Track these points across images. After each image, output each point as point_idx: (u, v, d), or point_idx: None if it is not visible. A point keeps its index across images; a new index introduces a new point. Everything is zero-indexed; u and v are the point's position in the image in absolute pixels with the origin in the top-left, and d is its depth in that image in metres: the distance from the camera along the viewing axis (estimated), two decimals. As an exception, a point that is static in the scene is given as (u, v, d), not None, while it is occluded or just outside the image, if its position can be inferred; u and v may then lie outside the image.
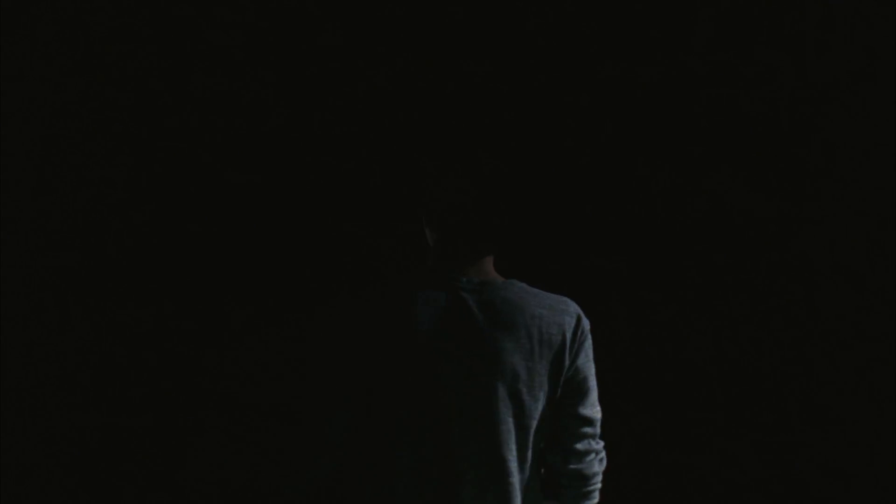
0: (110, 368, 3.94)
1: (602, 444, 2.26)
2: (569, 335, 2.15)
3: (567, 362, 2.15)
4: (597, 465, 2.22)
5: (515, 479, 2.12)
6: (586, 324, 2.20)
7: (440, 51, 3.84)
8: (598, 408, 2.25)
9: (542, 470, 2.25)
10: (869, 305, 3.73)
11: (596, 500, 2.26)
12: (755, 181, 3.79)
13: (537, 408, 2.13)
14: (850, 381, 3.74)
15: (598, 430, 2.24)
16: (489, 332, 2.10)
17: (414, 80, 3.82)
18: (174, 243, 3.93)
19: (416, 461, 2.08)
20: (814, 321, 3.76)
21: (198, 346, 3.91)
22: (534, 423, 2.13)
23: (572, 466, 2.20)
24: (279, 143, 3.88)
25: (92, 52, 3.93)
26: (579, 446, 2.21)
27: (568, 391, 2.18)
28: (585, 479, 2.22)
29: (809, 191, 3.77)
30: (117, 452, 3.93)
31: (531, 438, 2.13)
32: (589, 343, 2.20)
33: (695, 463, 3.80)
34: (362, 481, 2.11)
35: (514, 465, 2.10)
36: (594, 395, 2.22)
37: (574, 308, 2.19)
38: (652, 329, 3.83)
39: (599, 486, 2.26)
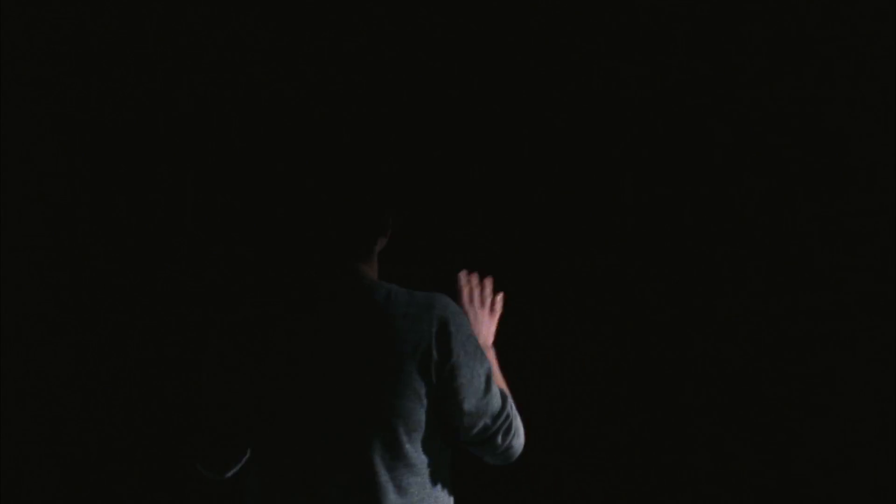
0: (110, 368, 3.94)
1: (504, 419, 2.10)
2: (434, 333, 1.97)
3: (436, 362, 1.99)
4: (500, 439, 2.09)
5: (386, 489, 2.00)
6: (452, 318, 2.01)
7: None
8: (492, 396, 2.07)
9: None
10: (869, 305, 3.73)
11: (518, 448, 2.14)
12: (755, 181, 3.80)
13: (407, 413, 1.99)
14: (849, 381, 3.74)
15: (496, 416, 2.08)
16: (349, 344, 1.99)
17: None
18: (174, 243, 3.93)
19: (286, 474, 2.03)
20: (813, 321, 3.76)
21: (197, 346, 3.91)
22: (415, 435, 2.01)
23: (479, 453, 2.12)
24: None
25: (91, 53, 3.93)
26: (478, 438, 2.08)
27: (447, 390, 2.02)
28: (494, 450, 2.11)
29: (809, 190, 3.77)
30: (116, 452, 3.93)
31: (417, 453, 2.02)
32: (458, 337, 2.01)
33: (691, 463, 3.80)
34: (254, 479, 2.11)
35: (384, 475, 1.99)
36: (480, 385, 2.04)
37: (440, 304, 2.02)
38: (651, 329, 3.83)
39: (518, 441, 2.13)
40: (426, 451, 2.03)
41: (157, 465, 3.92)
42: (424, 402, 1.99)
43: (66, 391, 3.94)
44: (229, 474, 2.22)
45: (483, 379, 2.04)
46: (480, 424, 2.05)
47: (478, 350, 2.06)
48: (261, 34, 3.87)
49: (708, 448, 3.79)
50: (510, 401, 2.12)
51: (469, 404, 2.02)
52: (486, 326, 2.25)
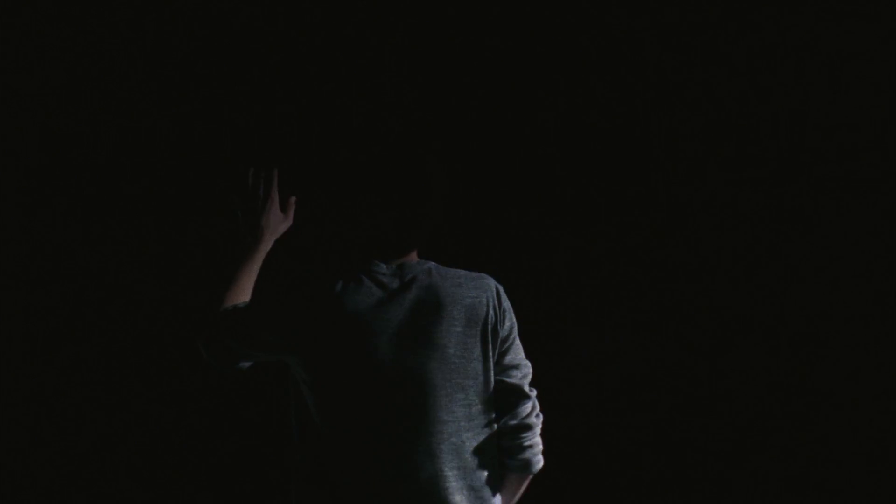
0: (109, 368, 3.95)
1: (534, 394, 2.38)
2: (493, 304, 2.30)
3: (499, 330, 2.30)
4: (533, 419, 2.35)
5: (450, 462, 2.24)
6: (503, 291, 2.35)
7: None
8: (528, 363, 2.39)
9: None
10: (868, 306, 3.74)
11: (535, 454, 2.37)
12: (753, 181, 3.80)
13: (472, 378, 2.27)
14: (849, 381, 3.74)
15: (527, 385, 2.37)
16: (417, 312, 2.24)
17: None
18: (173, 243, 3.94)
19: (359, 437, 2.20)
20: (812, 322, 3.77)
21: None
22: (471, 393, 2.27)
23: (512, 423, 2.33)
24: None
25: (90, 53, 3.94)
26: (517, 404, 2.34)
27: (501, 356, 2.32)
28: (524, 430, 2.34)
29: (808, 190, 3.78)
30: (116, 452, 3.94)
31: (472, 408, 2.27)
32: (510, 307, 2.35)
33: (689, 463, 3.81)
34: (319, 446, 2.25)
35: (453, 437, 2.24)
36: (521, 351, 2.37)
37: (490, 280, 2.34)
38: (650, 329, 3.83)
39: (539, 439, 2.38)
40: (487, 411, 2.30)
41: (156, 464, 3.93)
42: (488, 359, 2.28)
43: (65, 391, 3.95)
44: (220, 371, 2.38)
45: (520, 342, 2.38)
46: (526, 380, 2.34)
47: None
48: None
49: (708, 448, 3.80)
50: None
51: (519, 359, 2.35)
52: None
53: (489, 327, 2.29)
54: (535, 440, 2.36)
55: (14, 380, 3.93)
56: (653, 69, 3.82)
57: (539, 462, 2.37)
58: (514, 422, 2.33)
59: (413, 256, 2.33)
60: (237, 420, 3.92)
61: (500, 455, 2.34)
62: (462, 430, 2.26)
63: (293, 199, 2.51)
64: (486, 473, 2.30)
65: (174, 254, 3.92)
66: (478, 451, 2.29)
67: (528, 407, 2.34)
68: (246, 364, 2.34)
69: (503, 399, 2.33)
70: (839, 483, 3.72)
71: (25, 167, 3.95)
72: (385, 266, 2.27)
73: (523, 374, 2.35)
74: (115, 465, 3.93)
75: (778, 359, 3.77)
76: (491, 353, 2.29)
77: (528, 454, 2.34)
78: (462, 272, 2.32)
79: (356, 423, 2.20)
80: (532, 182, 3.86)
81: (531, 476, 2.40)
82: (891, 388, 3.69)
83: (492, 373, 2.30)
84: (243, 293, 2.38)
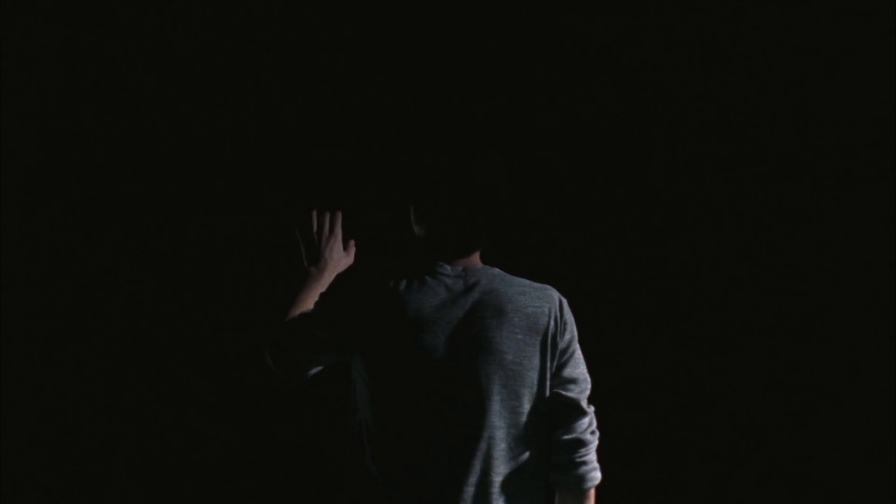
0: (110, 368, 3.95)
1: (592, 410, 2.36)
2: (555, 315, 2.31)
3: (558, 342, 2.31)
4: (588, 435, 2.33)
5: (498, 469, 2.24)
6: (566, 304, 2.36)
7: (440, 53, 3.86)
8: (587, 377, 2.38)
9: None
10: (868, 305, 3.73)
11: (591, 470, 2.33)
12: (752, 180, 3.80)
13: (527, 387, 2.28)
14: (849, 381, 3.74)
15: (584, 400, 2.35)
16: (478, 316, 2.26)
17: (413, 80, 3.84)
18: (174, 243, 3.93)
19: (411, 437, 2.23)
20: (812, 322, 3.77)
21: (198, 347, 3.92)
22: (525, 401, 2.27)
23: (566, 437, 2.31)
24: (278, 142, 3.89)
25: (89, 54, 3.94)
26: (573, 419, 2.33)
27: (559, 369, 2.32)
28: (578, 446, 2.32)
29: (808, 190, 3.77)
30: (116, 452, 3.94)
31: (524, 417, 2.27)
32: (572, 320, 2.36)
33: (688, 463, 3.81)
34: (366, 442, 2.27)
35: (502, 443, 2.25)
36: (582, 366, 2.36)
37: (554, 292, 2.35)
38: (650, 329, 3.83)
39: (594, 457, 2.34)
40: (540, 422, 2.30)
41: (156, 464, 3.93)
42: (545, 369, 2.29)
43: (65, 392, 3.95)
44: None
45: (582, 357, 2.37)
46: (584, 395, 2.33)
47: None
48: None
49: (708, 448, 3.80)
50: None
51: (577, 373, 2.33)
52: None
53: (549, 338, 2.29)
54: (590, 457, 2.32)
55: (14, 380, 3.92)
56: (652, 68, 3.82)
57: (592, 480, 2.32)
58: (568, 436, 2.31)
59: (477, 260, 2.35)
60: (237, 420, 3.92)
61: (551, 471, 2.33)
62: (513, 437, 2.26)
63: (353, 241, 2.60)
64: (530, 484, 2.30)
65: (174, 253, 3.92)
66: (527, 461, 2.29)
67: (584, 423, 2.32)
68: (314, 370, 2.36)
69: (559, 413, 2.32)
70: (839, 483, 3.72)
71: (25, 167, 3.94)
72: (449, 268, 2.30)
73: (581, 388, 2.33)
74: (115, 465, 3.93)
75: (777, 359, 3.77)
76: (549, 364, 2.30)
77: (581, 470, 2.30)
78: (526, 281, 2.33)
79: (411, 421, 2.23)
80: (534, 181, 3.86)
81: (589, 497, 2.34)
82: (891, 388, 3.69)
83: (548, 384, 2.30)
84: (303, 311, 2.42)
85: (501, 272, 2.34)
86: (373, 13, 3.88)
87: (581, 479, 2.30)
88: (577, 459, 2.29)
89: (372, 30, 3.88)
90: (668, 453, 3.80)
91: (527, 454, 2.28)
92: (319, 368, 2.36)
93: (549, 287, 2.35)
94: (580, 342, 2.37)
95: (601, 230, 3.84)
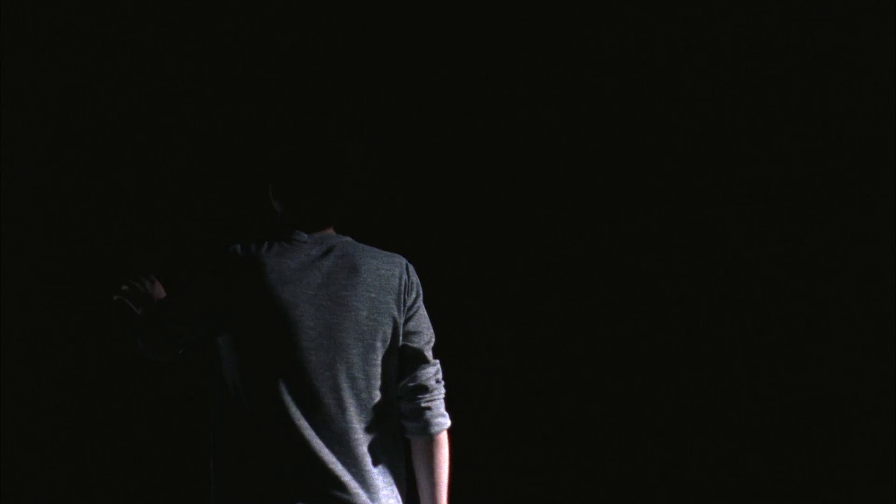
0: (110, 369, 3.95)
1: (437, 362, 2.54)
2: (403, 276, 2.51)
3: (406, 299, 2.50)
4: (433, 383, 2.51)
5: (358, 416, 2.40)
6: (412, 268, 2.55)
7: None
8: (431, 331, 2.56)
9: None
10: (868, 306, 3.73)
11: (437, 416, 2.49)
12: (752, 181, 3.80)
13: (381, 341, 2.45)
14: (849, 381, 3.74)
15: (429, 351, 2.53)
16: (334, 277, 2.44)
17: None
18: (175, 244, 3.94)
19: (277, 392, 2.36)
20: (813, 321, 3.77)
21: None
22: (379, 354, 2.45)
23: (410, 385, 2.50)
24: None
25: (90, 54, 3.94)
26: (417, 367, 2.51)
27: (408, 322, 2.51)
28: (421, 391, 2.49)
29: (808, 191, 3.78)
30: (117, 453, 3.94)
31: (378, 368, 2.45)
32: (418, 282, 2.55)
33: (688, 463, 3.81)
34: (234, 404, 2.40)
35: (362, 393, 2.41)
36: (426, 321, 2.55)
37: (402, 258, 2.55)
38: (649, 330, 3.83)
39: (440, 404, 2.50)
40: (389, 375, 2.47)
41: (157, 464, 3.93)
42: (395, 323, 2.47)
43: (65, 393, 3.95)
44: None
45: (426, 315, 2.56)
46: (428, 346, 2.52)
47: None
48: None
49: (702, 449, 3.80)
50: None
51: (423, 327, 2.53)
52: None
53: (399, 296, 2.48)
54: (435, 403, 2.49)
55: (14, 380, 3.93)
56: (653, 66, 3.82)
57: (439, 426, 2.49)
58: (412, 384, 2.48)
59: (331, 231, 2.53)
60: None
61: (401, 420, 2.50)
62: (372, 388, 2.43)
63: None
64: (391, 433, 2.46)
65: (173, 252, 3.93)
66: (384, 410, 2.45)
67: (429, 371, 2.50)
68: (183, 342, 2.47)
69: (405, 363, 2.50)
70: (840, 483, 3.71)
71: (26, 166, 3.95)
72: (307, 236, 2.48)
73: (426, 340, 2.52)
74: (114, 466, 3.93)
75: (779, 358, 3.77)
76: (400, 320, 2.47)
77: (426, 416, 2.47)
78: (377, 249, 2.53)
79: (276, 378, 2.36)
80: (533, 180, 3.87)
81: (440, 443, 2.50)
82: (891, 388, 3.69)
83: (400, 338, 2.48)
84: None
85: (353, 240, 2.52)
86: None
87: (427, 425, 2.47)
88: (422, 405, 2.47)
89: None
90: (667, 453, 3.80)
91: (384, 405, 2.44)
92: (189, 342, 2.47)
93: (396, 254, 2.55)
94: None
95: (599, 230, 3.85)
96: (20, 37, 3.91)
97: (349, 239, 2.52)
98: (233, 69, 3.97)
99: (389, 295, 2.47)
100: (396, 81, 3.95)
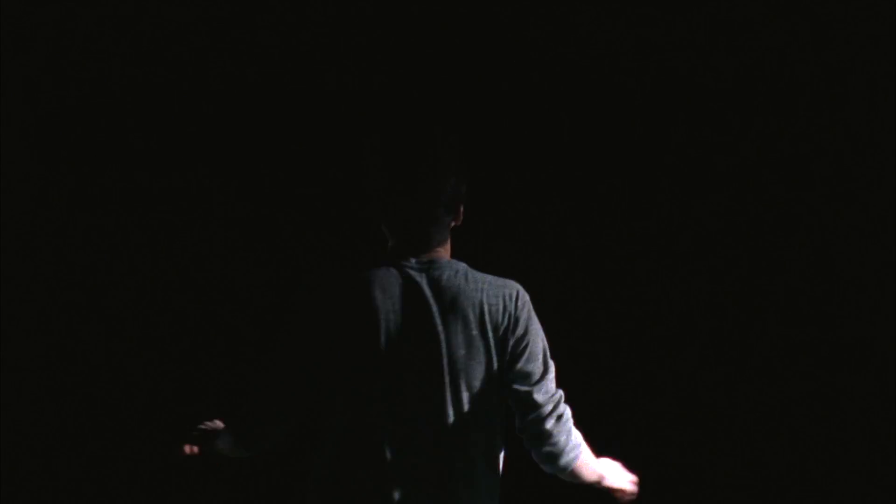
0: (110, 370, 3.95)
1: (550, 404, 2.34)
2: (509, 311, 2.30)
3: (509, 337, 2.30)
4: (548, 425, 2.33)
5: (454, 458, 2.27)
6: (524, 300, 2.34)
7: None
8: (544, 371, 2.35)
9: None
10: (869, 307, 3.73)
11: (563, 453, 2.35)
12: (753, 181, 3.80)
13: (479, 380, 2.28)
14: (850, 381, 3.74)
15: (540, 393, 2.33)
16: (434, 310, 2.27)
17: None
18: (178, 246, 3.94)
19: (374, 430, 2.25)
20: (813, 321, 3.77)
21: (201, 349, 3.92)
22: (476, 394, 2.28)
23: (526, 432, 2.34)
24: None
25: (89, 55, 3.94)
26: (526, 413, 2.33)
27: (513, 363, 2.31)
28: (539, 438, 2.34)
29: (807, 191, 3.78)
30: (117, 453, 3.94)
31: (475, 409, 2.28)
32: (527, 316, 2.33)
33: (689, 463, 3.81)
34: (327, 446, 2.29)
35: (457, 436, 2.27)
36: (537, 360, 2.34)
37: (514, 288, 2.33)
38: (649, 330, 3.83)
39: (563, 438, 2.35)
40: (487, 414, 2.30)
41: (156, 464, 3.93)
42: (495, 364, 2.29)
43: (65, 393, 3.95)
44: (259, 449, 2.38)
45: (541, 350, 2.34)
46: (538, 388, 2.31)
47: (539, 328, 2.35)
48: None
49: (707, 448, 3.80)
50: (561, 394, 2.37)
51: (531, 367, 2.31)
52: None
53: (501, 333, 2.30)
54: (558, 444, 2.33)
55: (13, 380, 3.93)
56: (652, 66, 3.82)
57: (566, 464, 2.35)
58: (528, 431, 2.34)
59: (442, 254, 2.35)
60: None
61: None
62: (467, 429, 2.28)
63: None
64: (484, 473, 2.33)
65: (173, 253, 3.92)
66: (479, 452, 2.31)
67: (540, 414, 2.32)
68: (282, 425, 2.34)
69: (515, 408, 2.34)
70: (839, 483, 3.71)
71: (25, 166, 3.95)
72: (415, 261, 2.31)
73: (534, 382, 2.32)
74: (113, 466, 3.93)
75: (779, 358, 3.77)
76: (501, 359, 2.30)
77: (559, 462, 2.34)
78: (490, 277, 2.33)
79: (369, 415, 2.25)
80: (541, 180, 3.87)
81: (580, 467, 2.38)
82: (891, 388, 3.69)
83: (502, 379, 2.31)
84: None
85: (467, 267, 2.33)
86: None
87: (557, 470, 2.35)
88: (545, 450, 2.33)
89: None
90: (666, 453, 3.80)
91: (480, 443, 2.30)
92: (285, 425, 2.33)
93: (510, 283, 2.34)
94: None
95: (598, 230, 3.85)
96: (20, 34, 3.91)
97: (463, 266, 2.33)
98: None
99: (490, 331, 2.28)
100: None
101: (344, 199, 3.79)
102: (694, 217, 3.83)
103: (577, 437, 2.38)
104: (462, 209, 2.37)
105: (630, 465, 2.49)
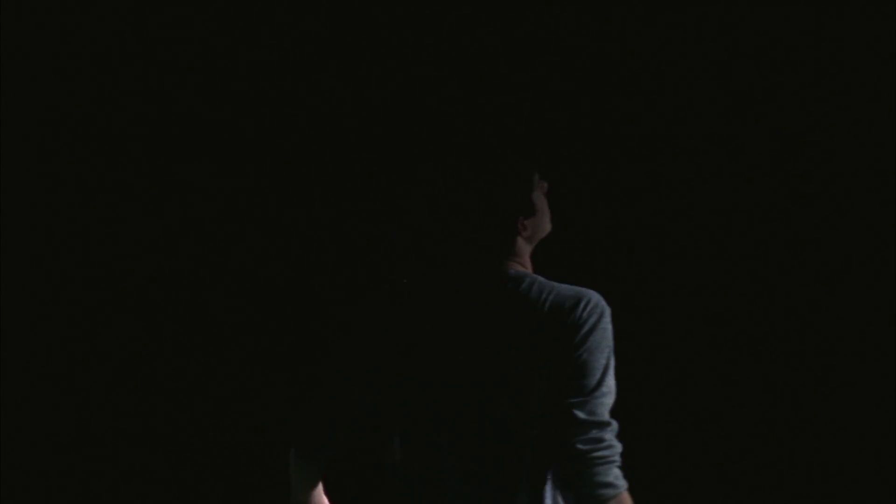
0: (111, 371, 3.95)
1: (600, 426, 2.15)
2: (573, 322, 2.14)
3: (570, 352, 2.14)
4: (590, 456, 2.12)
5: (511, 471, 2.16)
6: (592, 312, 2.16)
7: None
8: (596, 390, 2.16)
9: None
10: (868, 307, 3.73)
11: (594, 487, 2.14)
12: (753, 181, 3.80)
13: (535, 397, 2.14)
14: (850, 381, 3.74)
15: (587, 413, 2.14)
16: (501, 321, 2.17)
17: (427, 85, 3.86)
18: (180, 247, 3.94)
19: (416, 453, 2.21)
20: (813, 321, 3.77)
21: (207, 351, 3.92)
22: (531, 412, 2.15)
23: (566, 456, 2.15)
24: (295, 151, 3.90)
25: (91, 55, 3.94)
26: (575, 434, 2.14)
27: (567, 379, 2.15)
28: (578, 468, 2.13)
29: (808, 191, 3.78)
30: (118, 454, 3.94)
31: (530, 424, 2.15)
32: (591, 327, 2.16)
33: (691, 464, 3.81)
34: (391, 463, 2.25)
35: (501, 463, 2.17)
36: (590, 379, 2.15)
37: (585, 299, 2.17)
38: (649, 331, 3.83)
39: (599, 471, 2.14)
40: (547, 435, 2.15)
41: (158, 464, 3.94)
42: (557, 377, 2.13)
43: (65, 394, 3.95)
44: (320, 458, 2.33)
45: (602, 367, 2.15)
46: (582, 406, 2.12)
47: (607, 345, 2.18)
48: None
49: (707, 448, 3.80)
50: (615, 425, 2.18)
51: (583, 381, 2.12)
52: None
53: (563, 346, 2.14)
54: (591, 478, 2.12)
55: (13, 380, 3.93)
56: (652, 67, 3.82)
57: (603, 495, 2.12)
58: (568, 455, 2.14)
59: (515, 266, 2.26)
60: (239, 420, 3.92)
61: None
62: (524, 452, 2.15)
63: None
64: (527, 493, 2.19)
65: (173, 252, 3.93)
66: (528, 472, 2.17)
67: (587, 437, 2.12)
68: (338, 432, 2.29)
69: (561, 426, 2.14)
70: (839, 483, 3.72)
71: (25, 166, 3.95)
72: (487, 274, 2.23)
73: (583, 395, 2.13)
74: (114, 466, 3.93)
75: (778, 358, 3.77)
76: (558, 374, 2.14)
77: (584, 490, 2.13)
78: (563, 288, 2.19)
79: (425, 425, 2.20)
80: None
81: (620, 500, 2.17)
82: (891, 389, 3.69)
83: (556, 396, 2.14)
84: None
85: (541, 280, 2.21)
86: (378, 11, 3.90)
87: (588, 497, 2.13)
88: (583, 476, 2.12)
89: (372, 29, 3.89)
90: (666, 453, 3.80)
91: (532, 465, 2.17)
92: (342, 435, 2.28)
93: (583, 293, 2.18)
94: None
95: (598, 229, 3.85)
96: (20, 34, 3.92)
97: (538, 279, 2.22)
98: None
99: (550, 344, 2.13)
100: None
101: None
102: (694, 217, 3.83)
103: (616, 477, 2.14)
104: (527, 227, 2.28)
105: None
